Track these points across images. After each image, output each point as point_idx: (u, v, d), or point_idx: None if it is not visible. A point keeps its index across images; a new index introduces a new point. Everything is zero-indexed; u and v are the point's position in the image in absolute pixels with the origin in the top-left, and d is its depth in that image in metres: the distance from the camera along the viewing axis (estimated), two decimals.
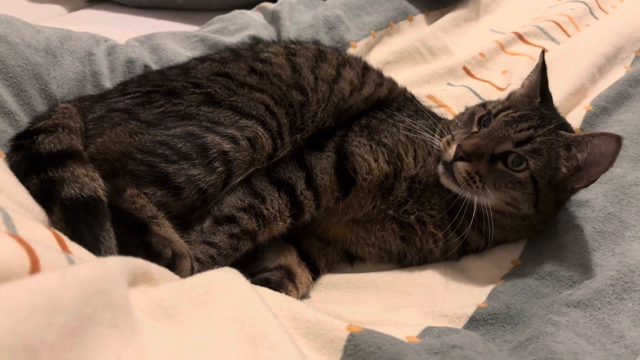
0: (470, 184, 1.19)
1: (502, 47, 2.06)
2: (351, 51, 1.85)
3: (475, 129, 1.27)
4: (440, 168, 1.25)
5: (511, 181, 1.19)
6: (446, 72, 1.92)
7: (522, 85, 1.42)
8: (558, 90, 1.74)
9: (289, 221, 1.22)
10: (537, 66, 1.38)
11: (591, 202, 1.37)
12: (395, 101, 1.46)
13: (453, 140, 1.24)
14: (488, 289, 1.23)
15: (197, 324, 0.66)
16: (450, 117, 1.58)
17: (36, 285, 0.48)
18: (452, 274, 1.30)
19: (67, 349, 0.48)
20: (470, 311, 1.13)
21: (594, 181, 1.25)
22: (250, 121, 1.21)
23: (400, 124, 1.35)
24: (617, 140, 1.15)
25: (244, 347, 0.64)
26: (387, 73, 1.60)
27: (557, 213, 1.33)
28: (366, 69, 1.48)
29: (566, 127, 1.30)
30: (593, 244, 1.26)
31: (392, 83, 1.52)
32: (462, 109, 1.74)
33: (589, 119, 1.67)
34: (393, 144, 1.31)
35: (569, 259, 1.25)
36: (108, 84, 1.45)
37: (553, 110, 1.34)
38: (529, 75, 1.41)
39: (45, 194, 1.04)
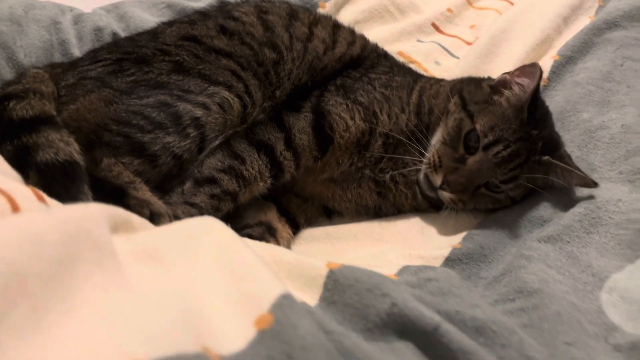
0: (452, 205, 1.27)
1: (469, 2, 2.08)
2: (320, 11, 1.85)
3: (461, 150, 1.24)
4: (424, 185, 1.30)
5: (491, 200, 1.28)
6: (415, 29, 1.93)
7: (508, 86, 1.29)
8: (525, 41, 1.77)
9: (269, 181, 1.24)
10: (530, 81, 1.25)
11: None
12: (368, 58, 1.48)
13: (440, 165, 1.25)
14: (463, 233, 1.27)
15: (180, 264, 0.68)
16: (420, 72, 1.60)
17: (23, 220, 0.49)
18: (428, 222, 1.34)
19: (54, 279, 0.50)
20: (445, 252, 1.17)
21: None
22: (217, 87, 1.23)
23: (375, 82, 1.37)
24: (594, 184, 1.21)
25: (227, 282, 0.67)
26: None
27: None
28: (337, 27, 1.50)
29: (550, 137, 1.29)
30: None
31: (364, 40, 1.54)
32: (432, 64, 1.78)
33: (556, 68, 1.70)
34: (369, 102, 1.33)
35: (540, 201, 1.29)
36: (77, 52, 1.44)
37: (540, 114, 1.28)
38: (519, 81, 1.27)
39: (20, 160, 1.03)
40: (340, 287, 0.78)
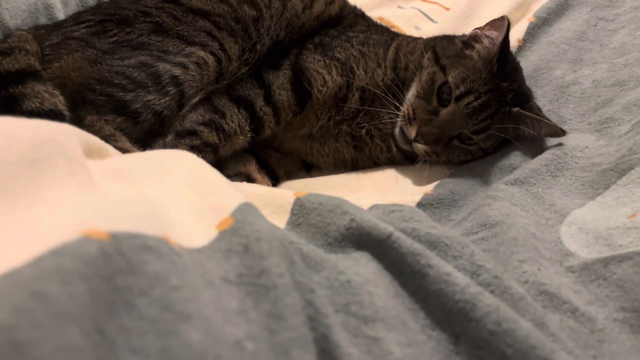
0: (426, 157, 1.31)
1: None
2: None
3: (434, 102, 1.28)
4: (399, 138, 1.34)
5: (463, 152, 1.32)
6: None
7: (478, 40, 1.33)
8: (502, 5, 1.81)
9: (249, 135, 1.30)
10: (499, 34, 1.29)
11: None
12: (346, 18, 1.52)
13: (414, 118, 1.29)
14: (436, 182, 1.32)
15: (149, 182, 0.73)
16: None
17: None
18: (403, 173, 1.39)
19: (26, 174, 0.55)
20: (417, 198, 1.21)
21: None
22: (194, 47, 1.28)
23: (353, 39, 1.41)
24: (563, 132, 1.25)
25: (193, 196, 0.72)
26: None
27: None
28: None
29: (520, 90, 1.32)
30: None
31: (343, 1, 1.58)
32: (412, 29, 1.82)
33: (531, 29, 1.74)
34: (345, 58, 1.38)
35: (510, 150, 1.34)
36: (62, 16, 1.48)
37: (510, 68, 1.31)
38: (488, 34, 1.32)
39: (7, 109, 1.09)
40: (305, 211, 0.83)
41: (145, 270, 0.52)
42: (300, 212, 0.85)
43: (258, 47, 1.38)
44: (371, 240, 0.74)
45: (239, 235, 0.64)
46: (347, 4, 1.58)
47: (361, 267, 0.69)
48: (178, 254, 0.57)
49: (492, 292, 0.73)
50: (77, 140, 0.69)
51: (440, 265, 0.68)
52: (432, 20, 1.89)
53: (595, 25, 1.72)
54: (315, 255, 0.69)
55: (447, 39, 1.43)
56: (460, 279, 0.67)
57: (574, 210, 1.09)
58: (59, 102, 1.13)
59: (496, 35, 1.29)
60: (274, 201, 0.91)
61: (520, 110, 1.27)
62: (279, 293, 0.57)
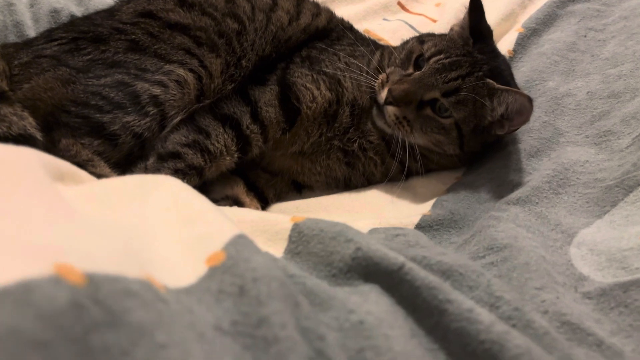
0: (399, 127, 1.24)
1: None
2: None
3: (411, 69, 1.28)
4: (374, 111, 1.29)
5: (437, 126, 1.24)
6: (381, 7, 1.93)
7: (457, 25, 1.39)
8: (490, 16, 1.75)
9: (236, 155, 1.23)
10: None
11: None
12: (334, 31, 1.47)
13: (387, 81, 1.26)
14: (433, 200, 1.26)
15: (130, 210, 0.65)
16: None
17: None
18: (397, 191, 1.32)
19: None
20: (415, 220, 1.16)
21: (514, 131, 1.30)
22: (172, 65, 1.22)
23: (340, 52, 1.36)
24: (529, 100, 1.20)
25: (178, 225, 0.64)
26: None
27: (485, 150, 1.37)
28: None
29: (499, 71, 1.29)
30: (531, 150, 1.31)
31: (330, 13, 1.53)
32: (399, 42, 1.77)
33: (521, 40, 1.70)
34: (333, 72, 1.33)
35: (509, 165, 1.29)
36: (32, 34, 1.41)
37: (489, 50, 1.32)
38: (465, 14, 1.38)
39: None
40: (305, 238, 0.77)
41: (128, 321, 0.44)
42: (299, 240, 0.78)
43: (243, 62, 1.31)
44: (380, 271, 0.68)
45: (233, 274, 0.56)
46: (334, 16, 1.53)
47: (372, 303, 0.62)
48: (164, 300, 0.50)
49: (513, 326, 0.67)
50: (40, 163, 0.61)
51: (460, 301, 0.61)
52: (419, 33, 1.84)
53: (585, 36, 1.69)
54: (320, 291, 0.62)
55: (434, 33, 1.44)
56: (484, 315, 0.60)
57: (582, 229, 1.04)
58: (29, 125, 1.04)
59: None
60: (269, 227, 0.84)
61: (495, 84, 1.22)
62: (282, 348, 0.50)
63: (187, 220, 0.66)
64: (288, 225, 0.81)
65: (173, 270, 0.56)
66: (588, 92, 1.47)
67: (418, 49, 1.29)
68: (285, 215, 0.85)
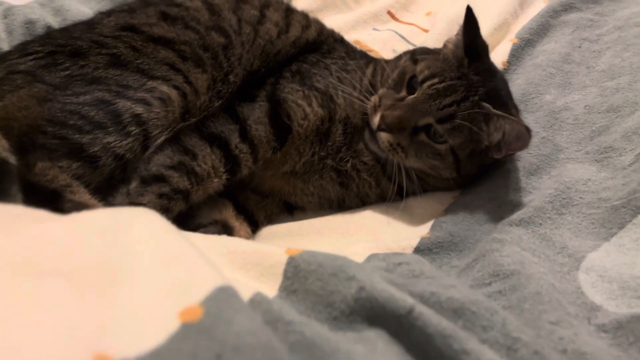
0: (393, 153, 1.19)
1: None
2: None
3: (404, 92, 1.22)
4: (367, 135, 1.24)
5: (432, 152, 1.19)
6: (371, 17, 1.89)
7: (450, 42, 1.31)
8: (483, 27, 1.70)
9: (224, 177, 1.16)
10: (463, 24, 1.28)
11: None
12: (324, 43, 1.42)
13: (380, 106, 1.21)
14: (431, 221, 1.21)
15: (99, 247, 0.58)
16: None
17: None
18: (393, 212, 1.27)
19: None
20: (414, 242, 1.11)
21: (512, 155, 1.26)
22: (155, 82, 1.15)
23: (332, 66, 1.31)
24: (527, 130, 1.14)
25: (152, 268, 0.57)
26: None
27: (482, 172, 1.32)
28: (289, 10, 1.43)
29: (495, 92, 1.23)
30: (531, 168, 1.27)
31: (320, 25, 1.47)
32: (390, 52, 1.72)
33: (515, 51, 1.67)
34: (325, 87, 1.27)
35: (508, 184, 1.25)
36: (6, 47, 1.33)
37: (485, 69, 1.25)
38: (459, 29, 1.31)
39: None
40: (302, 274, 0.70)
41: None
42: (295, 276, 0.72)
43: (231, 77, 1.25)
44: (387, 315, 0.62)
45: (210, 338, 0.49)
46: (324, 28, 1.47)
47: (380, 355, 0.56)
48: None
49: None
50: None
51: (478, 352, 0.55)
52: (410, 43, 1.80)
53: (579, 47, 1.66)
54: (322, 342, 0.56)
55: (427, 48, 1.39)
56: None
57: (589, 253, 1.00)
58: (1, 147, 0.96)
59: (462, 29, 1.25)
60: (262, 260, 0.77)
61: (491, 108, 1.17)
62: None
63: (163, 261, 0.59)
64: (283, 258, 0.75)
65: (139, 327, 0.49)
66: (586, 106, 1.43)
67: (411, 70, 1.23)
68: (278, 247, 0.78)
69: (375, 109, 1.21)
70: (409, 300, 0.61)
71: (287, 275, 0.72)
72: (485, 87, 1.19)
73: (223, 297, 0.55)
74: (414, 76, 1.22)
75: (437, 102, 1.16)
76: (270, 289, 0.72)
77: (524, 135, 1.15)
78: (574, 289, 0.91)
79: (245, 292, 0.65)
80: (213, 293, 0.55)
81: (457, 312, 0.66)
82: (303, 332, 0.56)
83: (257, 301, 0.64)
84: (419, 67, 1.22)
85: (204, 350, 0.48)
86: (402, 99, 1.20)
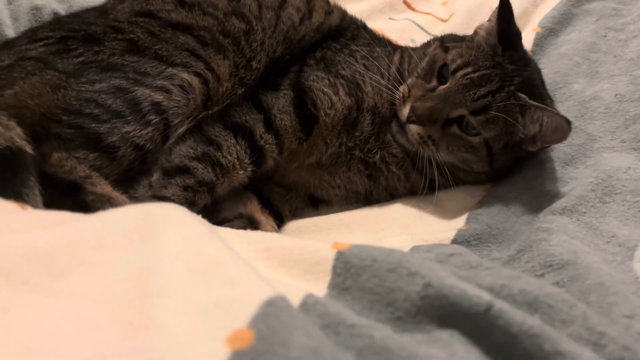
0: (423, 146, 1.14)
1: None
2: None
3: (434, 82, 1.17)
4: (394, 127, 1.20)
5: (464, 145, 1.14)
6: (386, 6, 1.84)
7: (482, 29, 1.26)
8: None
9: (250, 169, 1.11)
10: (492, 17, 1.23)
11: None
12: (348, 30, 1.36)
13: (409, 96, 1.16)
14: (465, 214, 1.16)
15: (132, 261, 0.51)
16: None
17: None
18: (424, 205, 1.21)
19: None
20: (451, 234, 1.06)
21: (546, 147, 1.21)
22: (175, 69, 1.09)
23: (357, 53, 1.26)
24: (567, 122, 1.09)
25: (189, 285, 0.51)
26: None
27: (514, 165, 1.26)
28: None
29: (531, 82, 1.18)
30: (566, 158, 1.22)
31: (342, 11, 1.42)
32: (408, 42, 1.67)
33: (539, 41, 1.63)
34: (351, 75, 1.22)
35: (544, 175, 1.20)
36: (12, 34, 1.28)
37: (519, 57, 1.20)
38: (491, 15, 1.26)
39: None
40: (354, 270, 0.64)
41: None
42: (347, 272, 0.65)
43: (253, 64, 1.19)
44: (461, 313, 0.55)
45: None
46: (346, 14, 1.42)
47: (459, 359, 0.49)
48: None
49: None
50: None
51: (575, 353, 0.49)
52: (428, 33, 1.75)
53: (604, 36, 1.61)
54: (394, 346, 0.50)
55: (456, 34, 1.34)
56: None
57: None
58: (17, 136, 0.90)
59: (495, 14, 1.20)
60: (305, 256, 0.71)
61: (527, 99, 1.11)
62: None
63: (201, 276, 0.52)
64: (330, 254, 0.68)
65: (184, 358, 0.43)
66: (616, 95, 1.39)
67: (442, 58, 1.18)
68: (323, 242, 0.72)
69: (404, 99, 1.16)
70: (486, 297, 0.55)
71: (336, 272, 0.66)
72: (520, 76, 1.14)
73: (273, 312, 0.49)
74: (444, 65, 1.16)
75: (472, 92, 1.11)
76: (318, 288, 0.66)
77: (562, 128, 1.09)
78: (632, 280, 0.86)
79: (295, 296, 0.58)
80: (262, 309, 0.49)
81: (532, 305, 0.60)
82: (372, 336, 0.50)
83: (311, 304, 0.58)
84: (450, 56, 1.16)
85: None
86: (433, 89, 1.15)
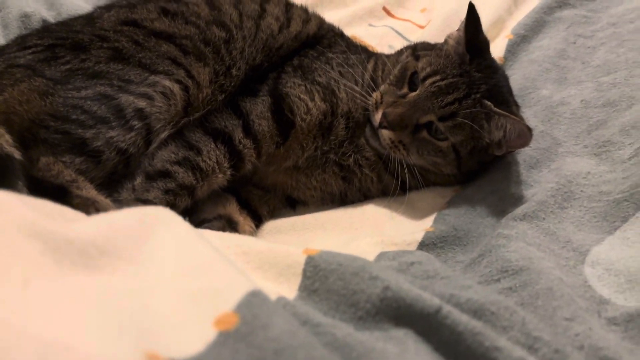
0: (394, 150, 1.19)
1: None
2: None
3: (405, 89, 1.22)
4: (368, 131, 1.25)
5: (433, 149, 1.20)
6: (366, 13, 1.89)
7: (452, 37, 1.31)
8: None
9: (229, 172, 1.16)
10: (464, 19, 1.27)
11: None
12: (325, 37, 1.41)
13: (381, 103, 1.21)
14: (434, 214, 1.22)
15: (132, 258, 0.57)
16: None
17: None
18: (395, 206, 1.28)
19: None
20: (419, 236, 1.11)
21: (512, 152, 1.27)
22: (158, 76, 1.14)
23: (333, 60, 1.31)
24: (528, 129, 1.15)
25: (182, 278, 0.57)
26: None
27: (482, 167, 1.32)
28: (289, 4, 1.43)
29: (497, 89, 1.23)
30: (531, 161, 1.28)
31: (320, 19, 1.47)
32: (386, 48, 1.72)
33: (511, 47, 1.69)
34: (327, 81, 1.27)
35: (509, 177, 1.26)
36: (2, 41, 1.31)
37: (487, 65, 1.25)
38: (460, 25, 1.31)
39: None
40: (322, 273, 0.70)
41: None
42: (316, 275, 0.72)
43: (233, 71, 1.24)
44: (415, 314, 0.62)
45: (250, 344, 0.49)
46: (324, 22, 1.47)
47: (412, 354, 0.56)
48: None
49: None
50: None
51: (509, 348, 0.56)
52: (406, 39, 1.80)
53: (574, 43, 1.68)
54: (354, 342, 0.56)
55: (428, 42, 1.39)
56: None
57: (593, 247, 1.02)
58: (5, 142, 0.95)
59: (463, 23, 1.25)
60: (279, 260, 0.77)
61: (492, 106, 1.17)
62: None
63: (191, 269, 0.58)
64: (301, 258, 0.74)
65: (177, 335, 0.49)
66: (582, 101, 1.45)
67: (413, 66, 1.23)
68: (295, 246, 0.78)
69: (376, 105, 1.21)
70: (436, 301, 0.61)
71: (306, 275, 0.72)
72: (486, 84, 1.20)
73: (255, 301, 0.55)
74: (415, 72, 1.21)
75: (439, 99, 1.16)
76: (290, 289, 0.72)
77: (525, 134, 1.16)
78: (581, 283, 0.92)
79: (270, 295, 0.65)
80: (245, 298, 0.55)
81: (477, 313, 0.66)
82: (334, 334, 0.56)
83: (282, 304, 0.64)
84: (420, 64, 1.22)
85: (245, 357, 0.48)
86: (404, 95, 1.20)
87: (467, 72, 1.20)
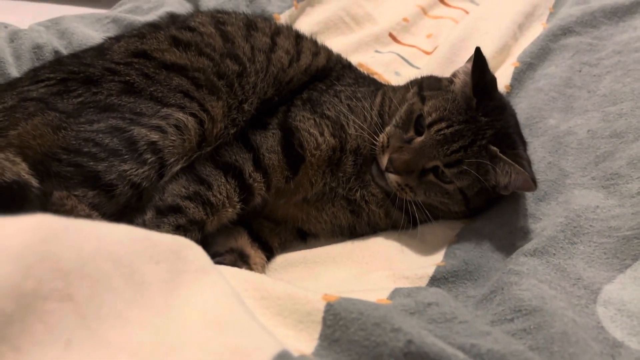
0: (401, 192, 1.20)
1: (424, 11, 2.06)
2: None
3: (411, 132, 1.22)
4: (374, 170, 1.25)
5: (440, 191, 1.21)
6: (372, 39, 1.90)
7: (459, 76, 1.29)
8: (484, 49, 1.74)
9: (238, 207, 1.16)
10: (470, 60, 1.27)
11: (531, 155, 1.39)
12: (334, 70, 1.42)
13: (387, 146, 1.21)
14: (444, 248, 1.22)
15: (166, 303, 0.58)
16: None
17: None
18: (405, 239, 1.28)
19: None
20: (430, 271, 1.12)
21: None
22: (170, 109, 1.14)
23: (342, 94, 1.31)
24: (532, 180, 1.15)
25: (212, 335, 0.57)
26: None
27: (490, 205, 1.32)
28: (299, 37, 1.43)
29: (504, 132, 1.22)
30: (539, 194, 1.28)
31: (328, 51, 1.48)
32: (393, 75, 1.74)
33: (517, 75, 1.70)
34: (336, 115, 1.27)
35: (518, 210, 1.26)
36: (15, 72, 1.31)
37: (493, 107, 1.23)
38: (465, 65, 1.31)
39: None
40: (343, 322, 0.71)
41: None
42: (336, 324, 0.72)
43: (245, 106, 1.25)
44: None
45: None
46: (332, 54, 1.48)
47: None
48: None
49: None
50: None
51: None
52: (412, 65, 1.82)
53: (580, 71, 1.69)
54: None
55: (435, 78, 1.38)
56: None
57: (605, 285, 1.02)
58: (23, 170, 0.96)
59: (470, 66, 1.24)
60: (298, 307, 0.77)
61: (498, 152, 1.17)
62: None
63: (220, 326, 0.58)
64: (320, 305, 0.75)
65: None
66: (589, 131, 1.46)
67: (418, 108, 1.22)
68: (313, 292, 0.78)
69: (383, 149, 1.22)
70: (460, 355, 0.62)
71: (326, 323, 0.72)
72: (493, 128, 1.19)
73: None
74: (421, 115, 1.21)
75: (445, 147, 1.16)
76: (310, 337, 0.72)
77: (529, 184, 1.16)
78: (594, 324, 0.92)
79: (293, 353, 0.65)
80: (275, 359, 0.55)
81: None
82: None
83: None
84: (426, 108, 1.21)
85: None
86: (410, 140, 1.20)
87: (474, 117, 1.19)
